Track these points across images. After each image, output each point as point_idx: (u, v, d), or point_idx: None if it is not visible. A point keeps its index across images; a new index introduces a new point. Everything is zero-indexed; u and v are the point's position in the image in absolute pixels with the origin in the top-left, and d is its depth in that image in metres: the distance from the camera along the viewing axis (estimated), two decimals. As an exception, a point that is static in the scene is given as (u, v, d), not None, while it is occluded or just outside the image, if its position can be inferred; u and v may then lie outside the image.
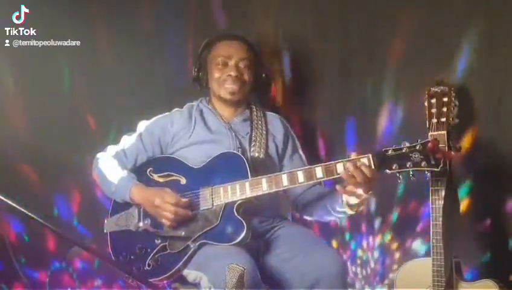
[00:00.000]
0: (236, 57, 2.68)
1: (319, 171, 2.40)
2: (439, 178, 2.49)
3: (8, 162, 3.10)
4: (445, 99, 2.52)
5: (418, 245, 2.91)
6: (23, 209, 2.04)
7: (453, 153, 2.42)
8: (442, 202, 2.48)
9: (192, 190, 2.54)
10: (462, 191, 2.77)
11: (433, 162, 2.25)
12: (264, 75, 2.78)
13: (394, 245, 3.00)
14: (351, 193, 2.38)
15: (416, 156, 2.26)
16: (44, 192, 3.16)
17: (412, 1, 2.91)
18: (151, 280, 2.45)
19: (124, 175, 2.62)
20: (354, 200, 2.42)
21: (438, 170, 2.26)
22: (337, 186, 2.39)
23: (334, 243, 3.07)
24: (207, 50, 2.76)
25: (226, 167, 2.53)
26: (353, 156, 2.35)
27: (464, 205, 2.76)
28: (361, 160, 2.33)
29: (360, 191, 2.36)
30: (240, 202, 2.46)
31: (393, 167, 2.29)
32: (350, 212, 2.48)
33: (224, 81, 2.68)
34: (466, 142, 2.74)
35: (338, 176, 2.37)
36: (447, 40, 2.82)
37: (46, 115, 3.16)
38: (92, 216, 3.05)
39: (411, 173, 2.28)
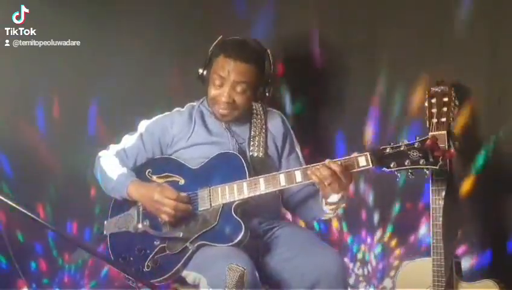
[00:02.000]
0: (235, 78, 2.56)
1: None
2: (439, 178, 2.49)
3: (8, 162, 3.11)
4: (445, 99, 2.52)
5: (418, 245, 2.91)
6: (23, 210, 2.03)
7: (452, 150, 2.39)
8: (443, 202, 2.47)
9: (190, 190, 2.53)
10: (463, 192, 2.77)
11: (431, 160, 2.23)
12: (267, 94, 2.66)
13: (394, 245, 3.01)
14: (326, 190, 2.37)
15: (415, 154, 2.24)
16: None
17: (413, 1, 2.91)
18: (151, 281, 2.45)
19: (124, 172, 2.62)
20: (333, 198, 2.42)
21: (437, 167, 2.24)
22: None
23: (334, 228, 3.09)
24: (215, 53, 2.63)
25: (224, 167, 2.52)
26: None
27: (464, 205, 2.76)
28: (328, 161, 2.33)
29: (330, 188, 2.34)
30: (237, 202, 2.46)
31: (392, 165, 2.27)
32: (329, 211, 2.49)
33: (216, 102, 2.62)
34: (466, 142, 2.74)
35: None
36: (448, 40, 2.82)
37: (46, 115, 3.15)
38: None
39: (409, 171, 2.27)
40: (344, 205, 2.50)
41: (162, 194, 2.50)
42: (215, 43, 2.66)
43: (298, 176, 2.41)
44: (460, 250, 2.78)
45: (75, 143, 3.14)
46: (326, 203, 2.46)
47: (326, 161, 2.34)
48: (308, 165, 2.41)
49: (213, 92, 2.62)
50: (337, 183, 2.33)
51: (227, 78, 2.57)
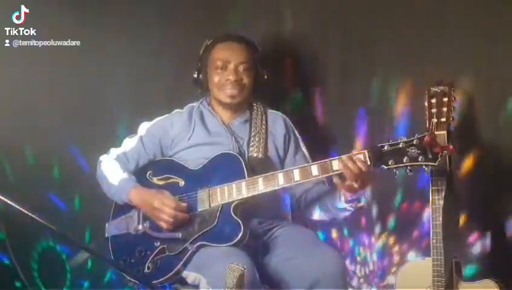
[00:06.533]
0: (235, 61, 2.65)
1: (314, 169, 2.40)
2: (439, 178, 2.48)
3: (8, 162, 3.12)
4: (445, 99, 2.52)
5: (418, 245, 2.91)
6: (23, 210, 2.04)
7: (451, 146, 2.38)
8: (443, 202, 2.47)
9: (190, 191, 2.55)
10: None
11: (430, 157, 2.21)
12: (265, 76, 2.74)
13: (394, 245, 3.00)
14: (348, 187, 2.36)
15: (413, 150, 2.22)
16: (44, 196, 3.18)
17: (413, 2, 2.91)
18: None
19: (125, 177, 2.63)
20: (351, 196, 2.41)
21: (436, 164, 2.23)
22: (335, 179, 2.39)
23: (334, 233, 3.08)
24: (207, 52, 2.73)
25: (223, 168, 2.53)
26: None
27: (464, 205, 2.76)
28: (357, 156, 2.32)
29: (355, 184, 2.33)
30: (236, 202, 2.46)
31: (390, 163, 2.26)
32: (349, 208, 2.47)
33: (223, 85, 2.65)
34: (466, 142, 2.74)
35: (334, 173, 2.37)
36: (448, 39, 2.82)
37: (46, 115, 3.15)
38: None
39: (408, 168, 2.25)
40: (362, 203, 2.49)
41: (162, 201, 2.51)
42: (203, 46, 2.74)
43: (296, 175, 2.41)
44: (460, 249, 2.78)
45: (76, 143, 3.15)
46: (347, 200, 2.44)
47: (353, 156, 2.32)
48: (320, 161, 2.39)
49: (217, 77, 2.66)
50: (363, 181, 2.32)
51: (230, 59, 2.64)
